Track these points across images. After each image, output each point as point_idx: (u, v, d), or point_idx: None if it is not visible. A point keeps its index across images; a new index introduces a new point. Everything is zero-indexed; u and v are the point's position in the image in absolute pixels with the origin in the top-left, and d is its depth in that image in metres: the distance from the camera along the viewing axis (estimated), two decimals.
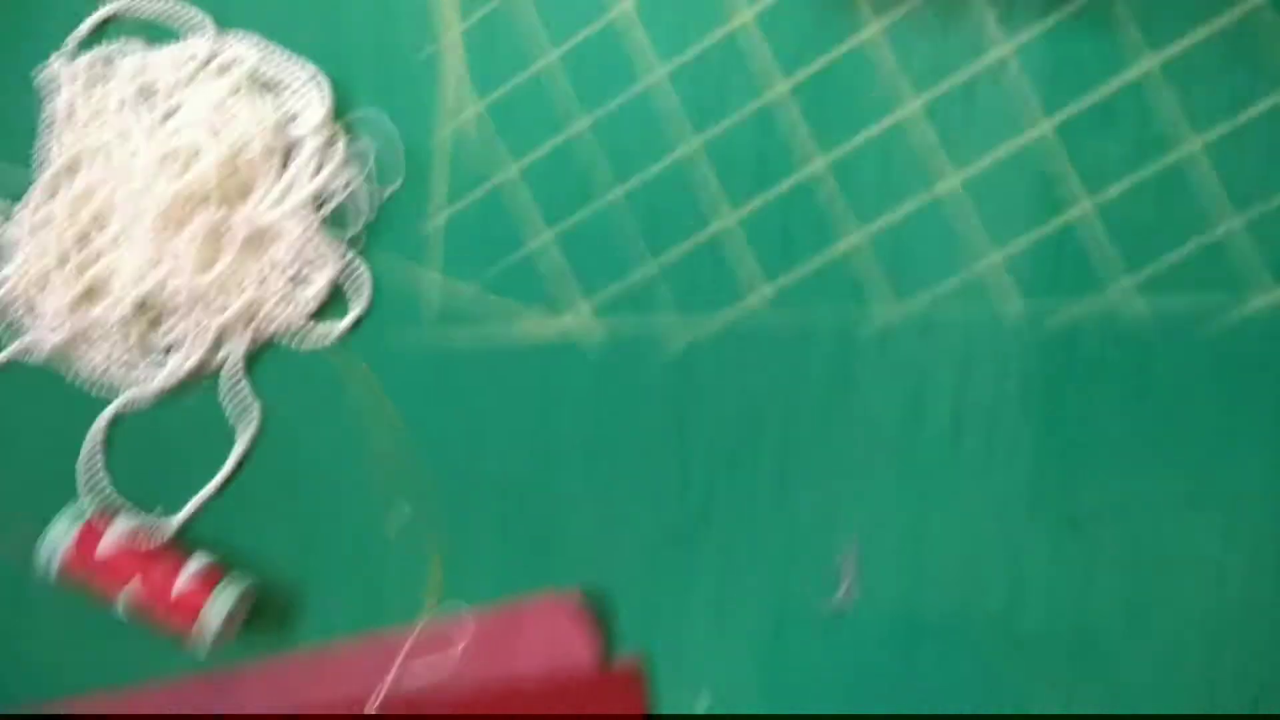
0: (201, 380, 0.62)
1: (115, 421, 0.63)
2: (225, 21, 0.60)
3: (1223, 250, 0.54)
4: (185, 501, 0.63)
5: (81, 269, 0.59)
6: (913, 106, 0.55)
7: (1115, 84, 0.54)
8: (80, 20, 0.61)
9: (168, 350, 0.61)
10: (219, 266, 0.57)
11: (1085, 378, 0.56)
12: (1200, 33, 0.53)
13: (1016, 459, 0.57)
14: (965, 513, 0.58)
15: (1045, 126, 0.55)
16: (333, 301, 0.61)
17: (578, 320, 0.59)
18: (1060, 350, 0.56)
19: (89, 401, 0.63)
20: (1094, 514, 0.56)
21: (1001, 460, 0.57)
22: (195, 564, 0.61)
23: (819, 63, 0.56)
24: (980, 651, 0.58)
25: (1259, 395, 0.55)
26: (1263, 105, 0.53)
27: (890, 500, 0.58)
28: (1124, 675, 0.57)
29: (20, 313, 0.62)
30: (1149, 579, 0.57)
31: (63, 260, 0.59)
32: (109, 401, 0.62)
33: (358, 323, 0.61)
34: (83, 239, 0.59)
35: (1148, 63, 0.54)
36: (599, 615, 0.60)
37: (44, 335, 0.61)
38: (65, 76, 0.60)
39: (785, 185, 0.57)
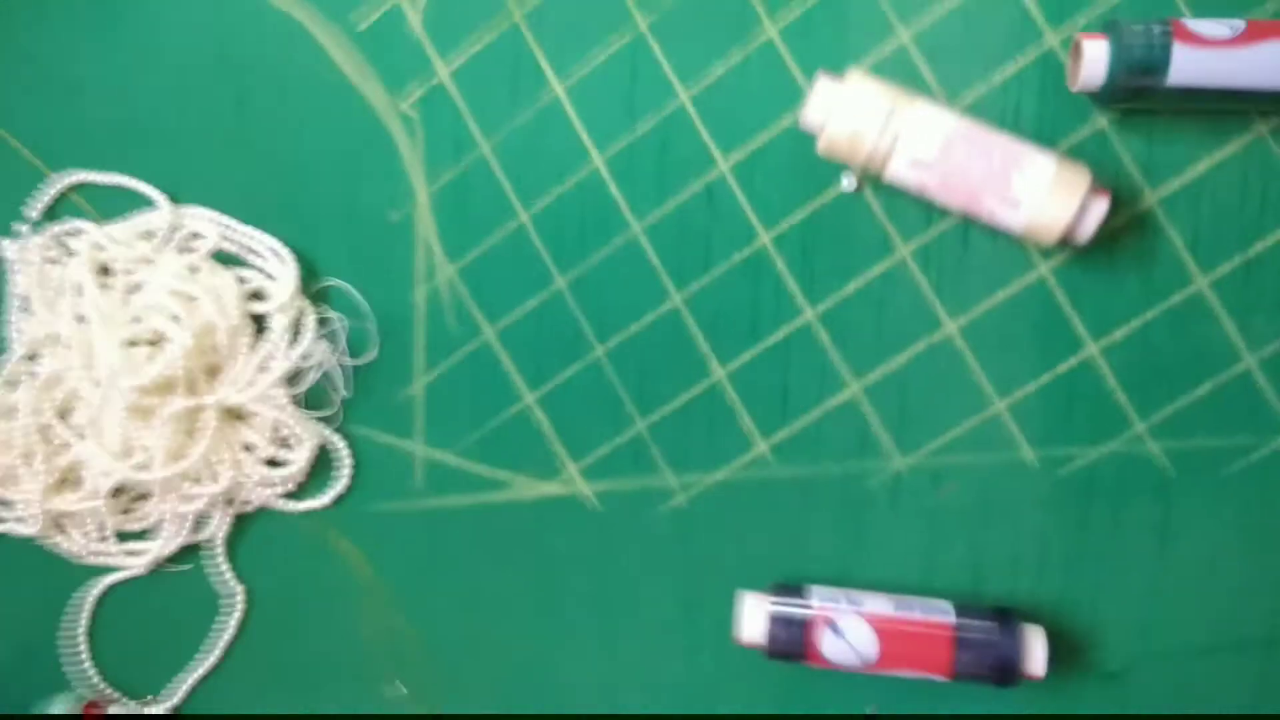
0: (186, 560, 0.60)
1: (101, 603, 0.61)
2: (184, 195, 0.57)
3: (1241, 390, 0.52)
4: (175, 682, 0.61)
5: (49, 460, 0.57)
6: (904, 253, 0.53)
7: (1118, 221, 0.52)
8: (27, 192, 0.58)
9: (146, 531, 0.59)
10: (192, 454, 0.55)
11: (1107, 526, 0.54)
12: (1205, 163, 0.51)
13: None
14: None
15: (1043, 269, 0.53)
16: (316, 475, 0.59)
17: (568, 485, 0.57)
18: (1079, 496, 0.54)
19: (76, 579, 0.61)
20: (1126, 664, 0.55)
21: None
22: None
23: (805, 210, 0.54)
24: None
25: None
26: (1272, 238, 0.51)
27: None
28: None
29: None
30: None
31: (28, 454, 0.56)
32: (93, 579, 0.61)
33: (341, 498, 0.59)
34: (49, 430, 0.57)
35: (1149, 199, 0.52)
36: None
37: (16, 526, 0.59)
38: (19, 259, 0.57)
39: (778, 336, 0.55)
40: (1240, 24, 0.46)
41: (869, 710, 0.57)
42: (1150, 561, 0.54)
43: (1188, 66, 0.46)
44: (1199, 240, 0.52)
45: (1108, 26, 0.48)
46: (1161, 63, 0.46)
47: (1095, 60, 0.47)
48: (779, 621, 0.52)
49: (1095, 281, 0.52)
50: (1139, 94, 0.48)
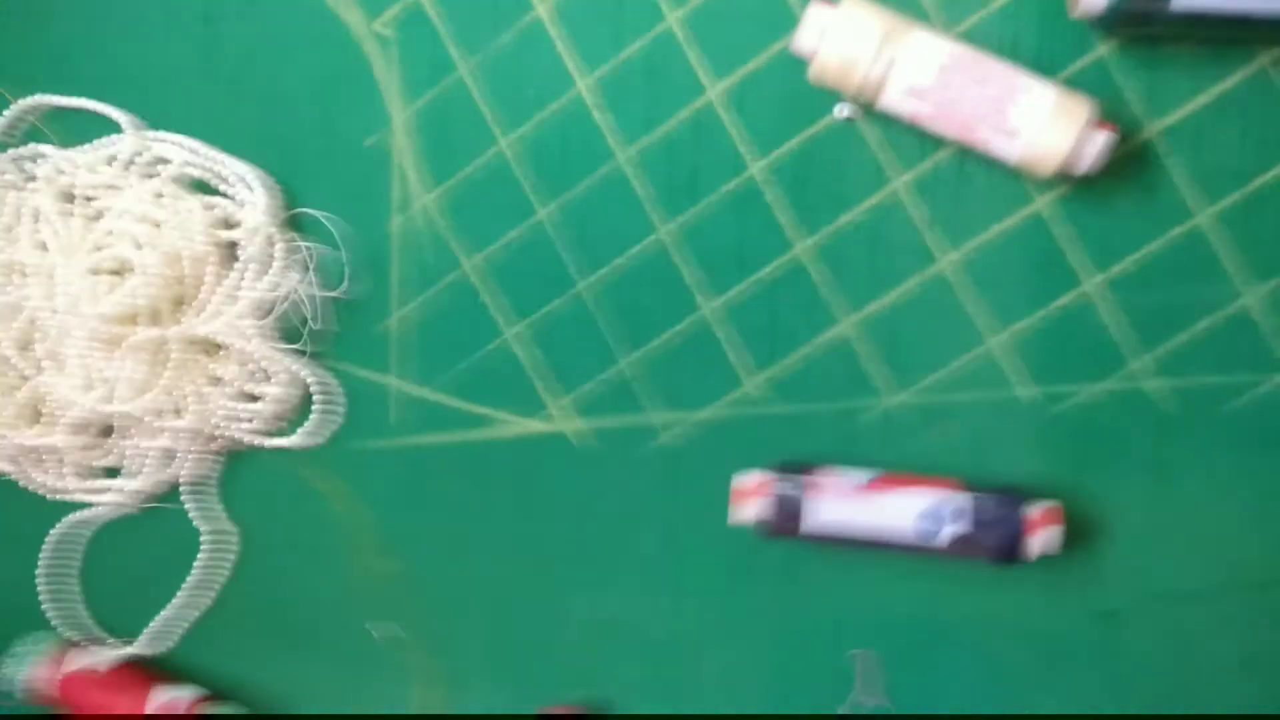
0: (163, 497, 0.58)
1: (68, 541, 0.59)
2: (154, 119, 0.55)
3: (1241, 327, 0.51)
4: (145, 622, 0.60)
5: (9, 391, 0.55)
6: (898, 185, 0.52)
7: (1119, 152, 0.50)
8: None
9: (116, 471, 0.57)
10: (157, 387, 0.53)
11: (1106, 462, 0.53)
12: (1207, 95, 0.50)
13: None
14: (982, 606, 0.55)
15: (1041, 203, 0.51)
16: (298, 411, 0.57)
17: (553, 422, 0.56)
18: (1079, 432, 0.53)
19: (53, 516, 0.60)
20: (1120, 604, 0.54)
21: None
22: (162, 695, 0.58)
23: (798, 140, 0.52)
24: None
25: None
26: (1273, 174, 0.50)
27: (905, 597, 0.56)
28: None
29: None
30: (1175, 670, 0.55)
31: None
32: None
33: (320, 433, 0.57)
34: (7, 362, 0.55)
35: (1151, 130, 0.50)
36: None
37: None
38: None
39: (770, 270, 0.53)
40: None
41: (853, 655, 0.56)
42: (1148, 500, 0.53)
43: None
44: (1200, 174, 0.51)
45: None
46: None
47: None
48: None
49: (1094, 215, 0.51)
50: (1142, 19, 0.46)
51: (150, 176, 0.54)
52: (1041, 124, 0.46)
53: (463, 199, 0.54)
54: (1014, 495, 0.51)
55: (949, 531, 0.51)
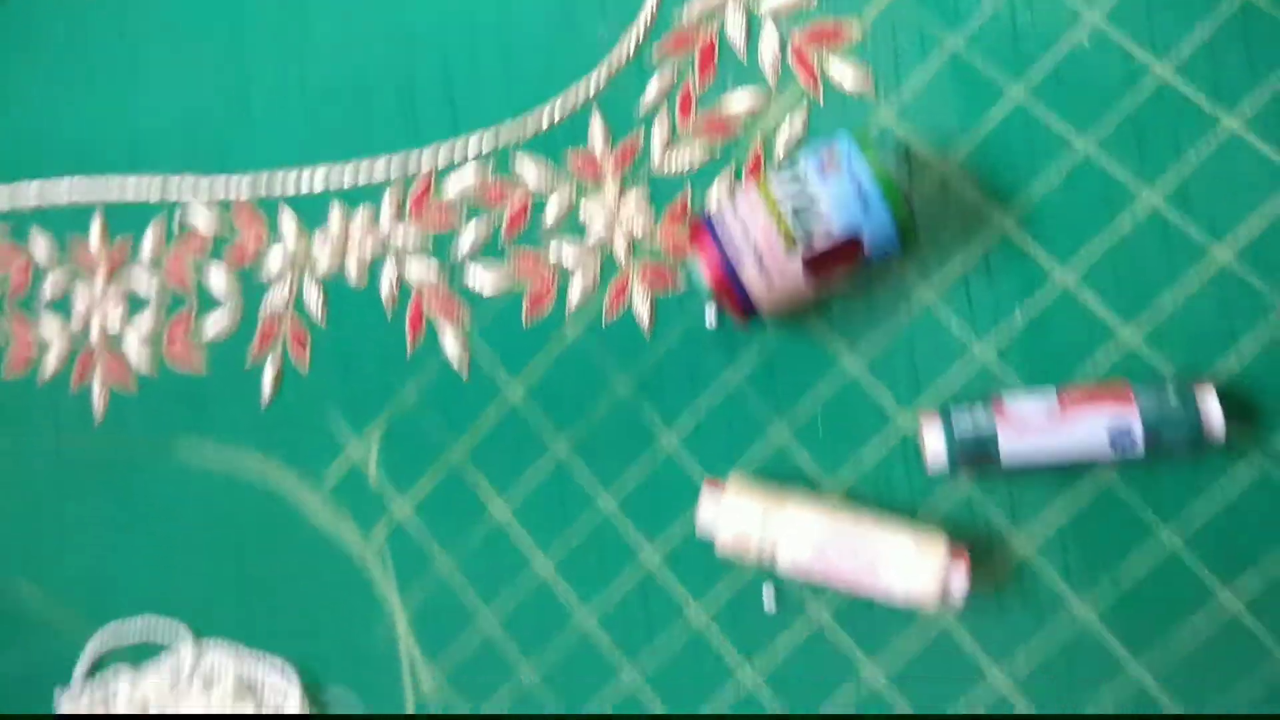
0: None
1: None
2: (201, 628, 0.71)
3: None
4: None
5: None
6: (821, 610, 0.64)
7: (997, 567, 0.61)
8: (76, 647, 0.73)
9: None
10: None
11: None
12: (1063, 511, 0.61)
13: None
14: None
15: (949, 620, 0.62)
16: None
17: None
18: None
19: None
20: None
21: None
22: None
23: (726, 586, 0.65)
24: None
25: None
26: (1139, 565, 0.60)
27: None
28: None
29: None
30: None
31: None
32: None
33: None
34: None
35: (1025, 544, 0.61)
36: None
37: None
38: (69, 708, 0.71)
39: (725, 698, 0.65)
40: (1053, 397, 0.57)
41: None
42: None
43: (1013, 449, 0.57)
44: (1071, 574, 0.61)
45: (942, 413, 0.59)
46: (992, 447, 0.57)
47: (935, 451, 0.58)
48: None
49: (994, 624, 0.61)
50: (980, 472, 0.59)
51: (208, 685, 0.70)
52: (908, 574, 0.57)
53: (459, 668, 0.68)
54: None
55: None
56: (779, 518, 0.59)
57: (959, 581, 0.58)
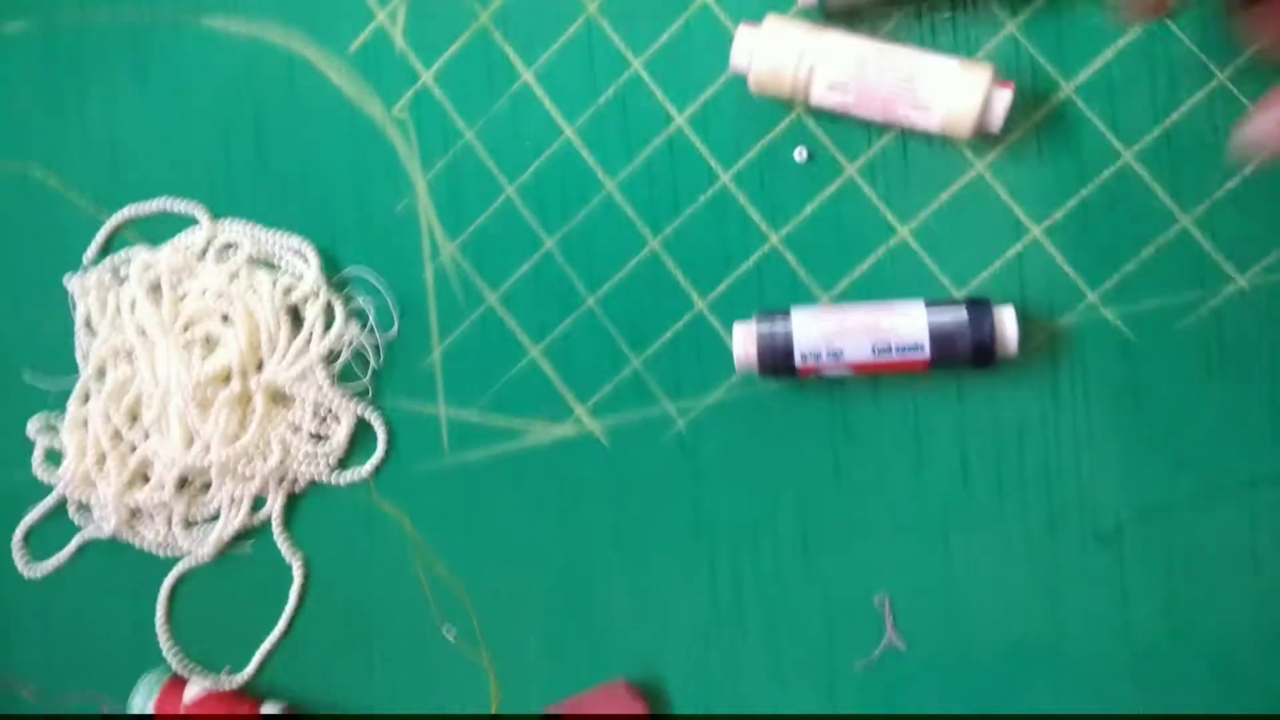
0: (250, 537, 0.71)
1: (180, 585, 0.73)
2: (218, 210, 0.71)
3: (1183, 248, 0.60)
4: (250, 650, 0.72)
5: (122, 460, 0.69)
6: (851, 171, 0.63)
7: (1040, 113, 0.61)
8: (92, 234, 0.72)
9: (212, 518, 0.71)
10: (246, 437, 0.67)
11: (1077, 395, 0.62)
12: (1111, 50, 0.60)
13: (1028, 486, 0.62)
14: (988, 548, 0.63)
15: (980, 166, 0.62)
16: (356, 447, 0.70)
17: (578, 425, 0.67)
18: (1046, 373, 0.62)
19: (160, 569, 0.73)
20: (1117, 526, 0.62)
21: (1013, 490, 0.62)
22: (270, 708, 0.69)
23: (756, 149, 0.64)
24: (1030, 680, 0.63)
25: (1247, 378, 0.60)
26: (1184, 108, 0.60)
27: (914, 548, 0.64)
28: (1176, 680, 0.62)
29: (79, 504, 0.72)
30: (1183, 579, 0.61)
31: (101, 457, 0.69)
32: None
33: (379, 465, 0.70)
34: (119, 434, 0.69)
35: (1066, 89, 0.61)
36: (657, 703, 0.67)
37: (101, 522, 0.71)
38: (79, 290, 0.71)
39: (751, 263, 0.65)
40: None
41: (878, 599, 0.64)
42: (1124, 421, 0.61)
43: None
44: (1118, 119, 0.60)
45: None
46: None
47: None
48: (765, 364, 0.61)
49: (1030, 171, 0.61)
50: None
51: (223, 260, 0.69)
52: (950, 93, 0.57)
53: (481, 243, 0.68)
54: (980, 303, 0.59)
55: (926, 346, 0.59)
56: (819, 42, 0.59)
57: (1002, 102, 0.57)
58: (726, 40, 0.63)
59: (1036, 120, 0.61)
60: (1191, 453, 0.61)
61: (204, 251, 0.70)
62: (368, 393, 0.69)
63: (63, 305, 0.73)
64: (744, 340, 0.61)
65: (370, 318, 0.69)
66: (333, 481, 0.70)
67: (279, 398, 0.69)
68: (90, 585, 0.74)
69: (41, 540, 0.75)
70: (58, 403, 0.73)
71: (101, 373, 0.70)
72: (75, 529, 0.73)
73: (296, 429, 0.69)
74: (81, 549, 0.74)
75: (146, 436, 0.69)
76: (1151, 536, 0.62)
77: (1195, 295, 0.60)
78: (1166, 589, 0.62)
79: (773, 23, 0.59)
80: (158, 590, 0.73)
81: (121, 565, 0.73)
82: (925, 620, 0.65)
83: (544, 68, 0.66)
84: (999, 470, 0.63)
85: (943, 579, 0.64)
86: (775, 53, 0.59)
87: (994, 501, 0.63)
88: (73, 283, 0.71)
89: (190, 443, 0.68)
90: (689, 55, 0.64)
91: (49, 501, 0.73)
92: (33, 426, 0.73)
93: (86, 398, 0.71)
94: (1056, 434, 0.62)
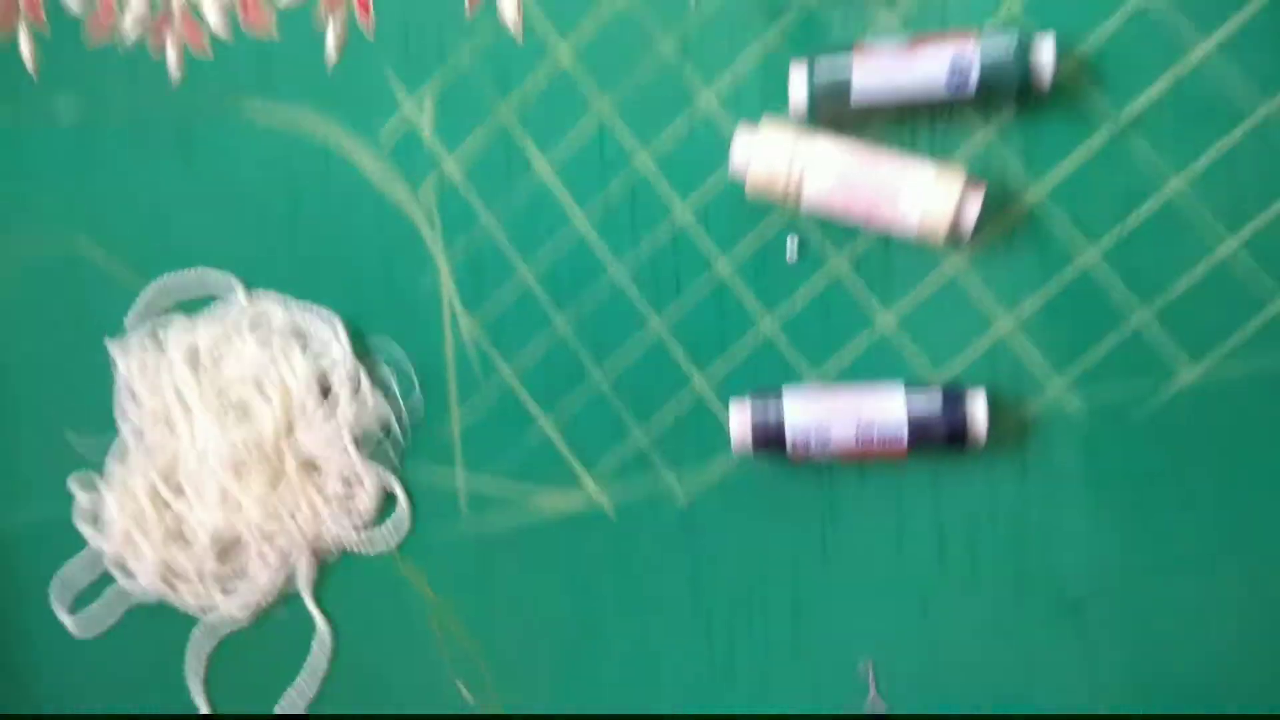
0: (279, 599, 0.77)
1: (216, 651, 0.79)
2: (252, 282, 0.77)
3: (1136, 343, 0.66)
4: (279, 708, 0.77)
5: (160, 519, 0.75)
6: (840, 262, 0.69)
7: (1014, 211, 0.67)
8: (132, 301, 0.78)
9: (241, 579, 0.76)
10: (278, 503, 0.72)
11: (1043, 477, 0.67)
12: (1080, 154, 0.66)
13: (999, 560, 0.68)
14: (964, 617, 0.69)
15: (957, 261, 0.67)
16: (379, 512, 0.76)
17: (587, 496, 0.72)
18: (1016, 455, 0.67)
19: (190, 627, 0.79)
20: (1082, 595, 0.67)
21: (986, 563, 0.68)
22: None
23: (752, 240, 0.70)
24: None
25: (1200, 461, 0.65)
26: (1152, 204, 0.65)
27: (895, 618, 0.70)
28: None
29: (122, 566, 0.78)
30: (1143, 642, 0.67)
31: (141, 517, 0.75)
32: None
33: (405, 531, 0.75)
34: (158, 493, 0.75)
35: (1038, 190, 0.66)
36: None
37: (142, 583, 0.76)
38: (120, 352, 0.76)
39: (744, 346, 0.70)
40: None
41: (862, 665, 0.69)
42: (1087, 500, 0.67)
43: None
44: (1082, 218, 0.66)
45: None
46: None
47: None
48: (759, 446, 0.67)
49: (1001, 265, 0.67)
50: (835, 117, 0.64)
51: (255, 328, 0.75)
52: (925, 202, 0.63)
53: (497, 319, 0.73)
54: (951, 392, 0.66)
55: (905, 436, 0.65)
56: (809, 150, 0.65)
57: (972, 208, 0.63)
58: (728, 137, 0.69)
59: (1009, 219, 0.67)
60: (1148, 528, 0.66)
61: (238, 322, 0.76)
62: (391, 459, 0.75)
63: (103, 368, 0.78)
64: (740, 424, 0.67)
65: (393, 387, 0.74)
66: (360, 549, 0.75)
67: (309, 465, 0.75)
68: (125, 642, 0.80)
69: (69, 583, 0.81)
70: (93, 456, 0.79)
71: (140, 434, 0.76)
72: (107, 580, 0.79)
73: (324, 493, 0.74)
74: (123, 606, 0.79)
75: (180, 494, 0.75)
76: (1113, 604, 0.67)
77: (1151, 383, 0.66)
78: (1128, 651, 0.67)
79: (767, 130, 0.65)
80: (187, 648, 0.78)
81: (158, 623, 0.79)
82: (906, 684, 0.70)
83: (559, 158, 0.72)
84: (973, 546, 0.68)
85: (922, 646, 0.70)
86: (768, 161, 0.65)
87: (969, 574, 0.68)
88: (114, 346, 0.77)
89: (225, 505, 0.73)
90: (693, 151, 0.70)
91: (91, 558, 0.79)
92: (74, 482, 0.78)
93: (124, 458, 0.76)
94: (1025, 512, 0.67)
